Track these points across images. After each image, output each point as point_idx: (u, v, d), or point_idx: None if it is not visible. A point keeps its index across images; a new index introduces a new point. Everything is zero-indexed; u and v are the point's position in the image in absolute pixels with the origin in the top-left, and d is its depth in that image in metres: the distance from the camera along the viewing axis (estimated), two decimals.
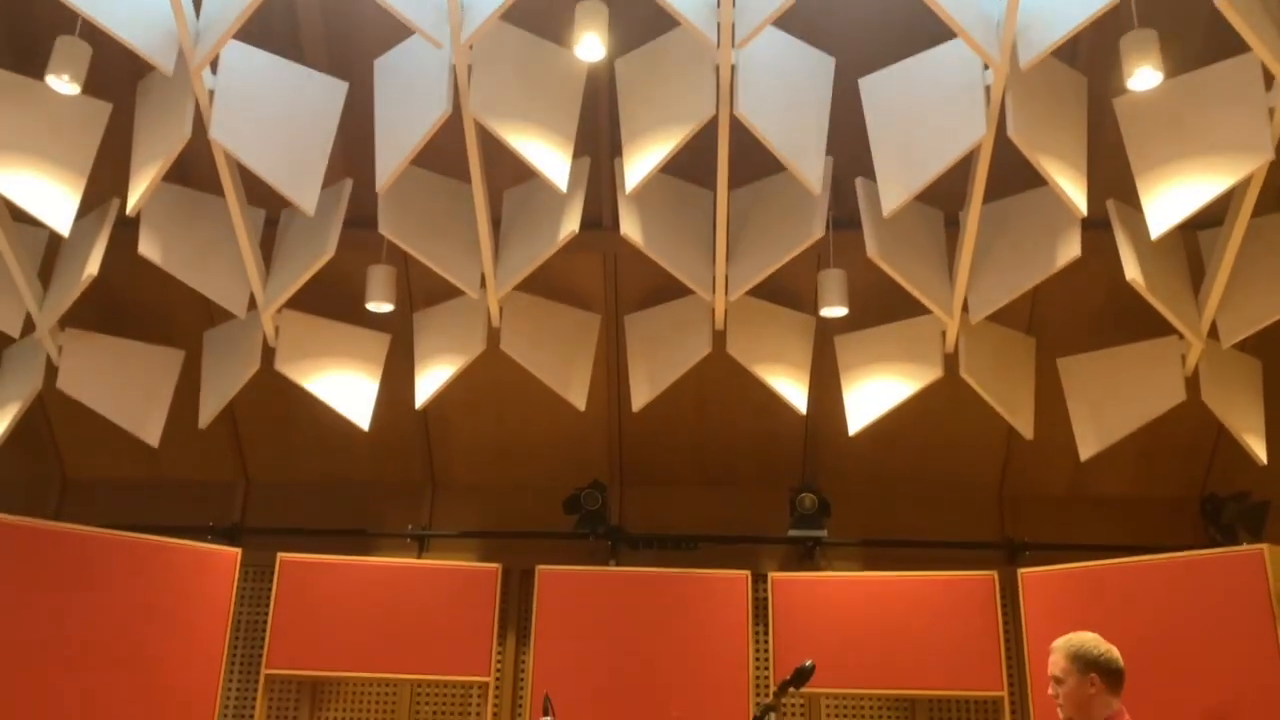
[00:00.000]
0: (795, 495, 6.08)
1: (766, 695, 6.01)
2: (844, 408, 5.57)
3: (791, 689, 3.19)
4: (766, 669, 6.05)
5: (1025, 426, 5.55)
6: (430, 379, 5.52)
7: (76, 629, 4.53)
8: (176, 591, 4.93)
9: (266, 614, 5.45)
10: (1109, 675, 3.05)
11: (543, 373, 5.59)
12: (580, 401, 5.65)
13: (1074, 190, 4.40)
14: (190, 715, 4.86)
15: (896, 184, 4.56)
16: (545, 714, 3.10)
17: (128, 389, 5.64)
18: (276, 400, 6.46)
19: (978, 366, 5.34)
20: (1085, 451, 5.31)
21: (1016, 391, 5.58)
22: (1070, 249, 4.74)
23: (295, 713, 6.28)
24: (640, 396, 5.66)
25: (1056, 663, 3.11)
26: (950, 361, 5.45)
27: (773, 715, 3.24)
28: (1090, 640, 3.11)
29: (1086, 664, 3.05)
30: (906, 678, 5.21)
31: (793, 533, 6.08)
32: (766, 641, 6.07)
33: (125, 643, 4.67)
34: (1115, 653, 3.10)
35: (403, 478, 6.77)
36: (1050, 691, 3.14)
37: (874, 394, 5.40)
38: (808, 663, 3.29)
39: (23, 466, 6.83)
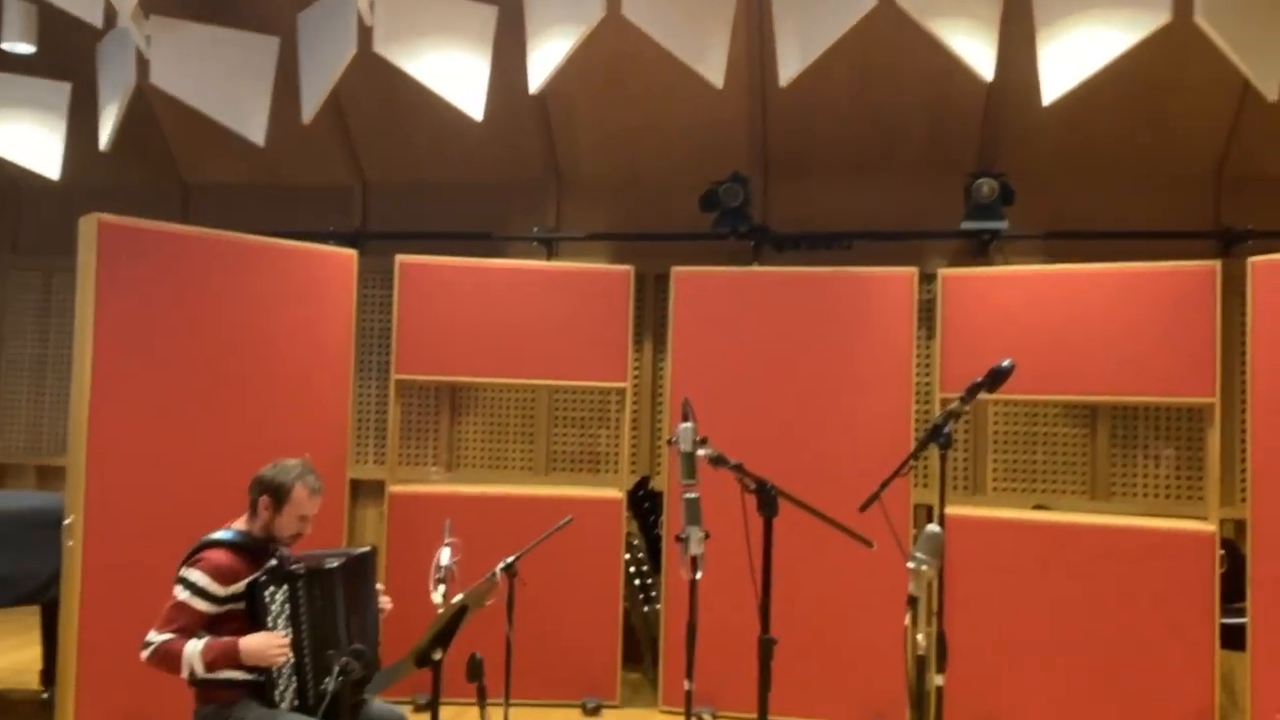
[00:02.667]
0: (971, 182, 5.25)
1: (928, 405, 5.53)
2: (1037, 71, 4.58)
3: (984, 391, 2.63)
4: (928, 378, 5.53)
5: (1269, 84, 4.45)
6: (545, 56, 4.80)
7: (206, 331, 4.36)
8: (300, 294, 4.68)
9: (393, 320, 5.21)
10: None
11: (672, 43, 4.77)
12: (717, 78, 4.84)
13: None
14: (325, 419, 4.75)
15: None
16: (685, 419, 2.66)
17: (225, 82, 5.18)
18: (384, 91, 5.92)
19: (1218, 7, 4.21)
20: None
21: (1264, 40, 4.43)
22: None
23: (435, 418, 6.24)
24: (788, 68, 4.78)
25: None
26: (1179, 3, 4.33)
27: (953, 421, 2.71)
28: None
29: None
30: (1094, 382, 4.59)
31: (966, 225, 5.31)
32: (928, 348, 5.53)
33: (255, 346, 4.50)
34: None
35: (525, 177, 6.26)
36: None
37: (1078, 49, 4.37)
38: (1005, 362, 2.72)
39: (141, 174, 6.66)
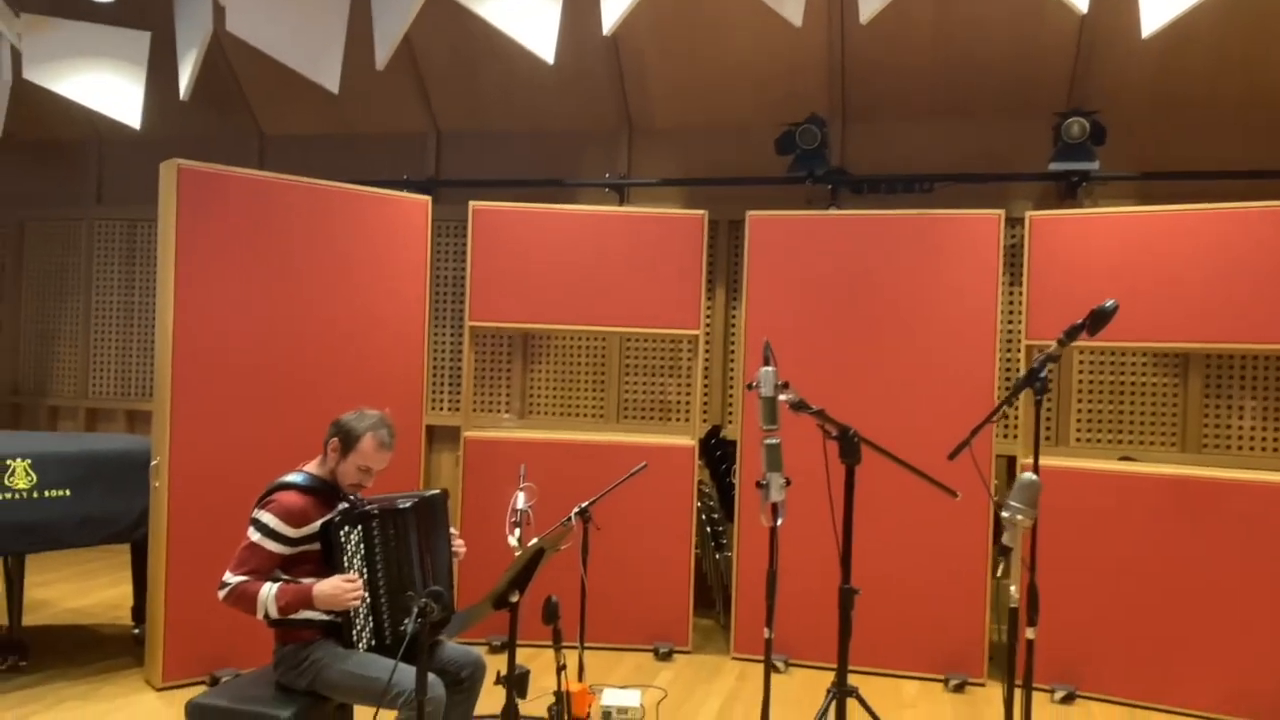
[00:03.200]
0: (1060, 122, 5.02)
1: (1013, 351, 5.37)
2: (1135, 2, 4.33)
3: (1085, 334, 2.51)
4: (1013, 325, 5.36)
5: None
6: None
7: (285, 277, 4.41)
8: (376, 241, 4.70)
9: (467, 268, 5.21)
10: None
11: None
12: (796, 16, 4.68)
13: None
14: (402, 364, 4.79)
15: None
16: (766, 363, 2.59)
17: (299, 29, 5.17)
18: (457, 37, 5.89)
19: None
20: None
21: None
22: None
23: (508, 365, 6.26)
24: (869, 5, 4.61)
25: None
26: None
27: (1051, 366, 2.59)
28: None
29: None
30: (1186, 330, 4.38)
31: (1054, 166, 5.10)
32: (1011, 294, 5.35)
33: (333, 293, 4.55)
34: None
35: (597, 123, 6.18)
36: None
37: None
38: (1109, 303, 2.59)
39: (220, 124, 6.75)
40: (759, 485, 2.49)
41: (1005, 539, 2.34)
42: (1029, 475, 2.34)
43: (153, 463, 4.23)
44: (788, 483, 2.51)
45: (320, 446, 3.03)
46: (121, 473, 4.38)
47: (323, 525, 2.84)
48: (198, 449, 4.21)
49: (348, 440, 2.92)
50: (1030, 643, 2.51)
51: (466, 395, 5.23)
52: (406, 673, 2.67)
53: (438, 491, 3.11)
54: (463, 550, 3.15)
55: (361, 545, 2.86)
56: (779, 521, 2.52)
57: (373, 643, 2.84)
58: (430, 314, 5.06)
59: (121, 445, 4.59)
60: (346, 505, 2.91)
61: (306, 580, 2.81)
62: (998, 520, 4.68)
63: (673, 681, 4.54)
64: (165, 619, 4.14)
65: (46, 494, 4.17)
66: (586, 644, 4.00)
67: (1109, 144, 5.02)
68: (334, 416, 3.03)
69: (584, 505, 3.75)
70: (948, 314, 4.67)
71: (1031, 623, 2.49)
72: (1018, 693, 2.56)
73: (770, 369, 2.54)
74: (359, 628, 2.81)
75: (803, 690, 4.48)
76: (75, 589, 5.87)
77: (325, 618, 2.80)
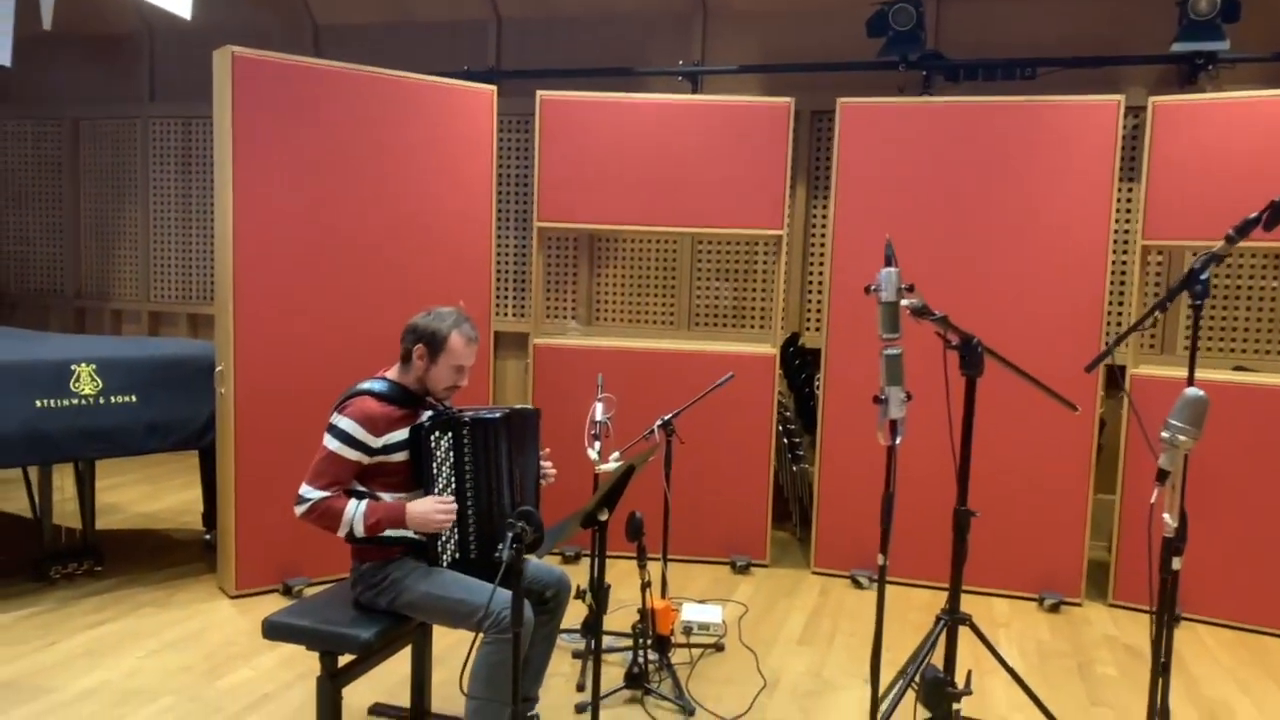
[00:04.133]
0: None
1: (1127, 254, 4.99)
2: None
3: (1262, 228, 2.18)
4: (1122, 225, 4.96)
5: None
6: None
7: (344, 172, 4.18)
8: (438, 133, 4.43)
9: (533, 168, 4.93)
10: None
11: None
12: None
13: None
14: (469, 267, 4.56)
15: None
16: (888, 263, 2.30)
17: None
18: None
19: None
20: None
21: None
22: None
23: (574, 268, 6.01)
24: None
25: None
26: None
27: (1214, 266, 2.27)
28: None
29: None
30: None
31: (1177, 47, 4.62)
32: (1127, 189, 4.94)
33: (399, 189, 4.31)
34: None
35: (669, 5, 5.76)
36: None
37: None
38: None
39: (273, 14, 6.44)
40: (877, 400, 2.24)
41: (1163, 461, 2.06)
42: (1195, 391, 2.05)
43: (217, 369, 4.09)
44: (908, 397, 2.25)
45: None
46: (187, 378, 4.26)
47: (413, 430, 2.65)
48: (262, 354, 4.06)
49: (434, 342, 2.70)
50: (1176, 574, 2.25)
51: (537, 301, 5.00)
52: (494, 596, 2.51)
53: (530, 408, 2.90)
54: (553, 474, 2.96)
55: (451, 453, 2.66)
56: (898, 440, 2.28)
57: (456, 556, 2.67)
58: (497, 214, 4.80)
59: (186, 350, 4.47)
60: (438, 411, 2.71)
61: (387, 495, 2.63)
62: (1100, 435, 4.43)
63: (752, 596, 4.38)
64: (236, 527, 4.05)
65: (113, 400, 4.06)
66: (665, 557, 3.84)
67: (1244, 19, 4.52)
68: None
69: (667, 418, 3.54)
70: (1055, 212, 4.29)
71: (1178, 551, 2.23)
72: (1148, 623, 2.31)
73: (893, 270, 2.26)
74: (444, 541, 2.64)
75: (893, 608, 4.29)
76: (145, 493, 5.87)
77: (407, 534, 2.63)
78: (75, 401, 3.96)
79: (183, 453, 4.47)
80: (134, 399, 4.11)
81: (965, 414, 2.66)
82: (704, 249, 5.77)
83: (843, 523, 4.65)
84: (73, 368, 3.99)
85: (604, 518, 2.60)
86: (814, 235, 5.60)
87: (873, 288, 2.28)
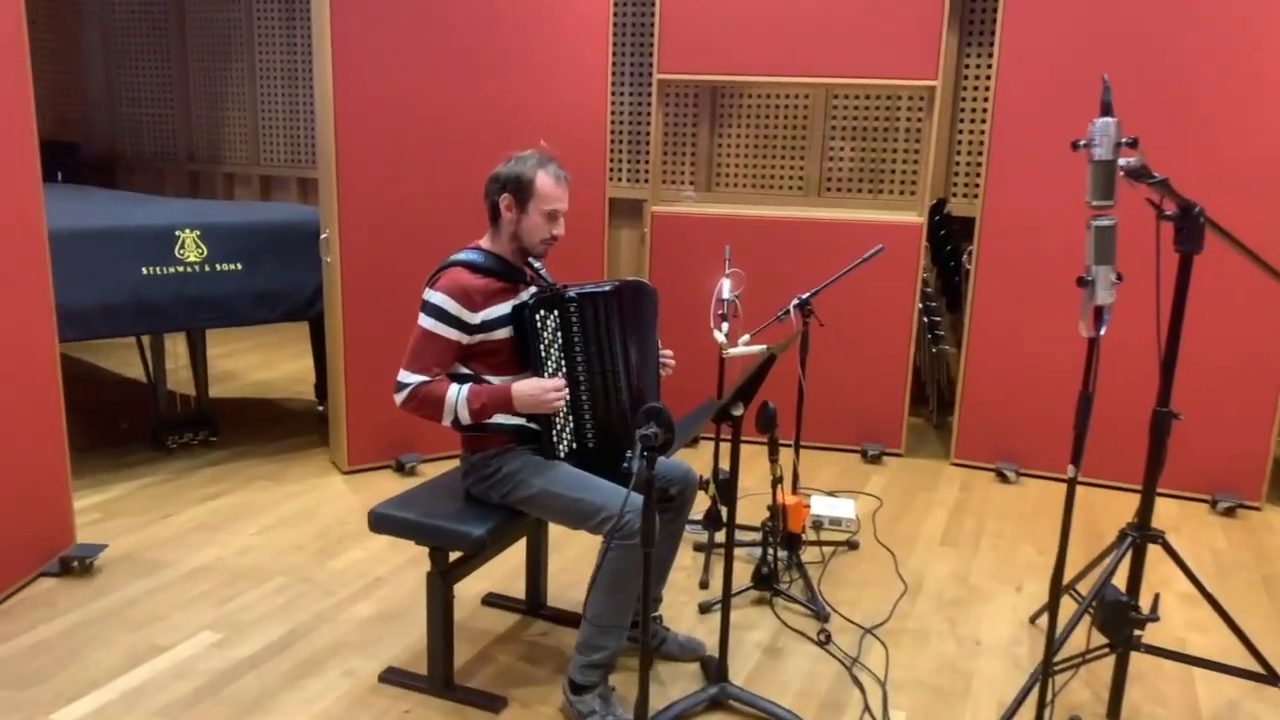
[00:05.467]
0: None
1: None
2: None
3: None
4: None
5: None
6: None
7: (448, 27, 3.82)
8: None
9: (653, 13, 4.45)
10: None
11: None
12: None
13: None
14: (581, 125, 4.18)
15: None
16: (1105, 112, 1.84)
17: None
18: None
19: None
20: None
21: None
22: None
23: (694, 127, 5.55)
24: None
25: None
26: None
27: None
28: None
29: None
30: None
31: None
32: None
33: (503, 42, 3.93)
34: None
35: None
36: None
37: None
38: None
39: None
40: (1082, 282, 1.82)
41: None
42: None
43: (322, 235, 3.88)
44: (1119, 279, 1.83)
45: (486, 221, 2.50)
46: (292, 245, 4.07)
47: (515, 309, 2.36)
48: (368, 221, 3.82)
49: (520, 188, 2.36)
50: None
51: (655, 164, 4.61)
52: (615, 495, 2.25)
53: (638, 280, 2.56)
54: (672, 364, 2.63)
55: (559, 334, 2.37)
56: (1103, 331, 1.87)
57: (573, 447, 2.41)
58: (613, 67, 4.38)
59: (290, 216, 4.27)
60: (543, 286, 2.41)
61: (494, 379, 2.36)
62: None
63: (886, 488, 4.06)
64: (347, 402, 3.91)
65: (218, 267, 3.91)
66: (796, 449, 3.53)
67: None
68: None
69: (804, 296, 3.16)
70: (1262, 68, 3.63)
71: None
72: None
73: (1112, 120, 1.79)
74: (558, 430, 2.38)
75: (1039, 504, 3.92)
76: (259, 361, 5.85)
77: (519, 422, 2.37)
78: (181, 269, 3.82)
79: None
80: (239, 267, 3.95)
81: (1175, 299, 2.21)
82: (839, 104, 5.23)
83: (988, 411, 4.25)
84: (177, 234, 3.83)
85: (738, 412, 2.29)
86: (965, 89, 4.99)
87: (1085, 143, 1.83)
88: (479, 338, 2.35)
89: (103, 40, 7.16)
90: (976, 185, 5.00)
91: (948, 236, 4.83)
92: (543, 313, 2.35)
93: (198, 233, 3.88)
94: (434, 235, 3.85)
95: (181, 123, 7.08)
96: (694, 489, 2.58)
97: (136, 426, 4.41)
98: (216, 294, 3.89)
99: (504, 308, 2.36)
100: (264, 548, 3.29)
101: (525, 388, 2.28)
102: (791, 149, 5.36)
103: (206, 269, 3.88)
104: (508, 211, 2.38)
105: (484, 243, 2.45)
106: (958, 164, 5.07)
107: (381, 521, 2.40)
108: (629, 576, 2.21)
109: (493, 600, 2.97)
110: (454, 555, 2.44)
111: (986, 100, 4.88)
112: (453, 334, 2.32)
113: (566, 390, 2.32)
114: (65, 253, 3.58)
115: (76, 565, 3.02)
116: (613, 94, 5.40)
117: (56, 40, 7.15)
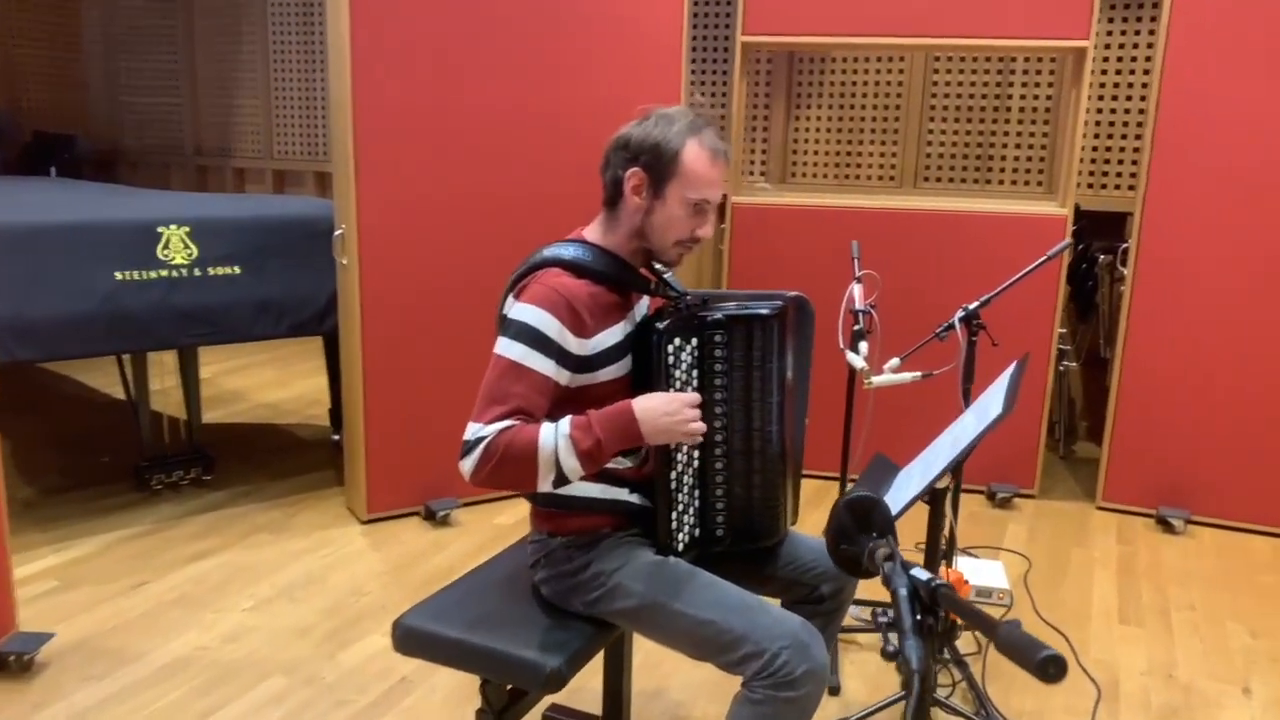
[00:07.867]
0: None
1: None
2: None
3: None
4: None
5: None
6: None
7: None
8: None
9: None
10: None
11: None
12: None
13: None
14: (657, 89, 3.44)
15: None
16: None
17: None
18: None
19: None
20: None
21: None
22: None
23: (765, 110, 4.79)
24: None
25: None
26: None
27: None
28: None
29: None
30: None
31: None
32: None
33: (552, 9, 3.21)
34: None
35: None
36: None
37: None
38: None
39: None
40: None
41: None
42: None
43: (337, 232, 3.16)
44: None
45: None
46: (303, 245, 3.37)
47: (638, 328, 1.62)
48: (391, 214, 3.10)
49: (659, 162, 1.57)
50: None
51: (736, 145, 3.86)
52: (764, 616, 1.50)
53: (798, 295, 1.76)
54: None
55: (695, 370, 1.62)
56: None
57: (695, 534, 1.66)
58: (690, 27, 3.63)
59: (300, 210, 3.57)
60: (679, 305, 1.65)
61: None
62: None
63: (1029, 543, 3.29)
64: (366, 436, 3.19)
65: (210, 272, 3.20)
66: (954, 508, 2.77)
67: None
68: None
69: (971, 307, 2.41)
70: None
71: None
72: None
73: None
74: (680, 510, 1.62)
75: (1225, 563, 3.14)
76: (272, 378, 5.14)
77: (618, 495, 1.62)
78: (164, 273, 3.12)
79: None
80: (237, 270, 3.24)
81: None
82: (940, 76, 4.45)
83: (1146, 445, 3.48)
84: (160, 230, 3.13)
85: (945, 484, 1.54)
86: (1109, 60, 4.20)
87: None
88: (583, 380, 1.59)
89: (102, 21, 6.49)
90: (1109, 175, 4.23)
91: (1079, 233, 4.05)
92: (678, 341, 1.58)
93: (186, 229, 3.18)
94: (470, 228, 3.13)
95: (189, 113, 6.40)
96: (854, 584, 1.82)
97: (120, 458, 3.71)
98: (208, 304, 3.18)
99: (615, 334, 1.61)
100: (258, 631, 2.57)
101: (655, 404, 1.50)
102: (881, 130, 4.59)
103: (196, 273, 3.18)
104: (635, 195, 1.61)
105: (591, 234, 1.68)
106: (1097, 150, 4.28)
107: (411, 640, 1.66)
108: None
109: (557, 716, 2.22)
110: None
111: (1132, 72, 4.13)
112: (549, 368, 1.53)
113: (701, 422, 1.54)
114: (16, 253, 2.89)
115: (13, 662, 2.31)
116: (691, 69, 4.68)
117: (51, 21, 6.48)
